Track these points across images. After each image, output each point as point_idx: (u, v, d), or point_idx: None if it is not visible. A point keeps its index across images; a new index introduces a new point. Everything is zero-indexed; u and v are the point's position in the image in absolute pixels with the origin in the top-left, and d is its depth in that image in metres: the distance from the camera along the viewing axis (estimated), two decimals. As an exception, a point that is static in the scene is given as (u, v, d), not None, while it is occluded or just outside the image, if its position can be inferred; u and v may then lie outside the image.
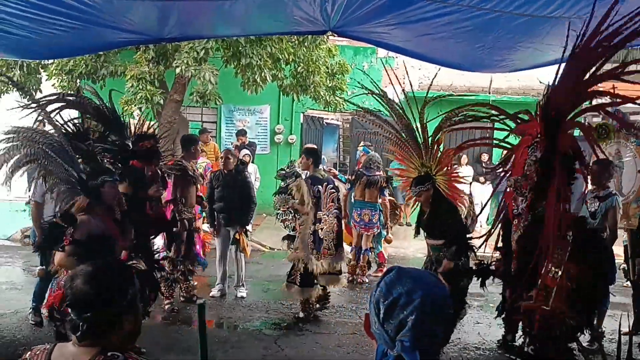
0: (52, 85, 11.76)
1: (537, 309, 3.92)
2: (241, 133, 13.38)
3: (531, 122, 4.60)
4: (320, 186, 7.14)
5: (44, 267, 6.61)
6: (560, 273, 3.91)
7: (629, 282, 9.02)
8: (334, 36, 6.98)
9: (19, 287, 8.28)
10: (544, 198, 4.19)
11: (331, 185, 7.23)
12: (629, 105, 4.25)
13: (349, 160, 17.33)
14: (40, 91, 12.45)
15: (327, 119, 17.32)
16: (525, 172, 4.40)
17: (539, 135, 4.39)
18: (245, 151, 11.93)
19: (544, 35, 5.71)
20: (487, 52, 6.29)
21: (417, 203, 6.44)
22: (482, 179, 14.96)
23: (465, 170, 14.86)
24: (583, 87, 4.36)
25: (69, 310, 2.03)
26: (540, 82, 15.02)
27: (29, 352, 2.10)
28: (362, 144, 12.80)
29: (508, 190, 4.87)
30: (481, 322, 7.39)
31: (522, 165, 4.51)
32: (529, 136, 4.53)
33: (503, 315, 5.83)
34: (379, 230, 9.46)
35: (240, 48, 10.76)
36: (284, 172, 8.27)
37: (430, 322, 1.56)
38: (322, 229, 7.12)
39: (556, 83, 4.49)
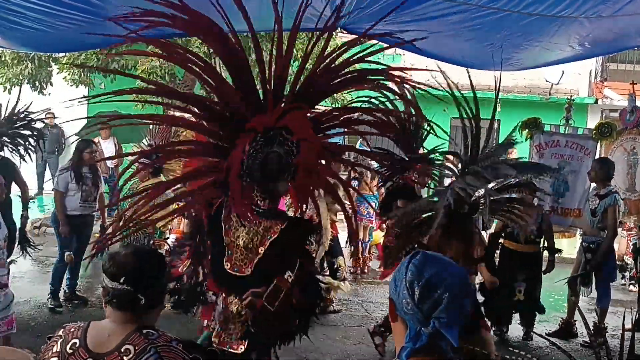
0: (63, 78, 11.87)
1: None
2: None
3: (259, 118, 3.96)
4: None
5: (71, 252, 6.90)
6: (292, 277, 3.82)
7: (624, 280, 9.10)
8: (343, 33, 7.05)
9: (29, 277, 8.40)
10: None
11: None
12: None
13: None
14: (51, 84, 12.60)
15: (333, 115, 17.40)
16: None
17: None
18: None
19: (552, 34, 5.79)
20: (496, 51, 6.36)
21: None
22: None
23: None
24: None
25: (117, 283, 2.09)
26: (547, 81, 15.07)
27: (61, 330, 2.16)
28: (359, 141, 12.91)
29: None
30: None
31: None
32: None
33: None
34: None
35: (249, 43, 10.83)
36: None
37: (460, 298, 1.70)
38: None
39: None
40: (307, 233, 3.86)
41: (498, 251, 6.93)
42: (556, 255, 6.76)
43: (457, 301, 1.68)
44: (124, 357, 2.04)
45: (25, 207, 7.11)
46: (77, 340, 2.09)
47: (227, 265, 3.79)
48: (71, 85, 12.02)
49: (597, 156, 7.34)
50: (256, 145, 3.74)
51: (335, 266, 7.39)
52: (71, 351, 2.07)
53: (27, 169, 14.11)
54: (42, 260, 9.02)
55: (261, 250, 3.77)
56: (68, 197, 6.97)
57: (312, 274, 3.87)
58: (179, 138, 6.97)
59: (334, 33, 12.37)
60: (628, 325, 4.79)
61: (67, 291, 7.22)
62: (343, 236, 9.96)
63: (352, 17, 5.70)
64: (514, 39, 5.99)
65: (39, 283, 7.87)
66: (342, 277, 7.47)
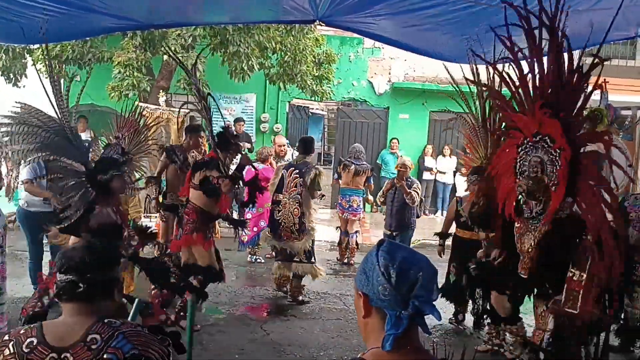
0: (38, 70, 11.68)
1: (564, 314, 3.86)
2: (239, 120, 12.98)
3: (526, 120, 4.20)
4: (285, 170, 7.63)
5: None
6: (584, 276, 3.85)
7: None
8: (322, 25, 7.06)
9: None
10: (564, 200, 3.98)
11: (297, 171, 7.48)
12: (620, 99, 4.13)
13: (334, 150, 17.41)
14: (26, 76, 12.43)
15: (312, 108, 17.36)
16: (528, 174, 4.07)
17: (537, 134, 4.02)
18: (247, 144, 12.09)
19: (528, 28, 5.80)
20: (473, 44, 6.38)
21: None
22: (464, 170, 15.12)
23: (448, 162, 15.03)
24: (577, 82, 4.03)
25: (66, 274, 2.14)
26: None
27: (7, 336, 2.11)
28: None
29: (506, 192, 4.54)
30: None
31: (510, 165, 4.26)
32: (519, 134, 4.22)
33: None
34: (363, 215, 10.15)
35: (227, 36, 10.79)
36: None
37: (433, 277, 1.78)
38: (280, 211, 7.46)
39: (549, 80, 4.11)
40: (575, 230, 3.96)
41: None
42: None
43: (431, 279, 1.76)
44: (92, 346, 2.04)
45: None
46: (33, 339, 2.07)
47: (520, 269, 4.15)
48: (46, 77, 11.83)
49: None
50: (525, 148, 4.13)
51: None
52: (28, 350, 2.04)
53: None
54: (17, 255, 8.91)
55: (534, 252, 4.07)
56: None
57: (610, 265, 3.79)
58: (146, 130, 6.90)
59: (312, 26, 12.38)
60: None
61: None
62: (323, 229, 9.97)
63: (330, 10, 5.69)
64: (491, 32, 6.00)
65: (12, 278, 7.75)
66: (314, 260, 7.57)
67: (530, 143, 4.12)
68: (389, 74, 15.86)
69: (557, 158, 3.90)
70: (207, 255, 6.36)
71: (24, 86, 12.59)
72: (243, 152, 7.03)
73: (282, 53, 12.47)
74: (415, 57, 11.05)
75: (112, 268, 2.25)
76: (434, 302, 1.76)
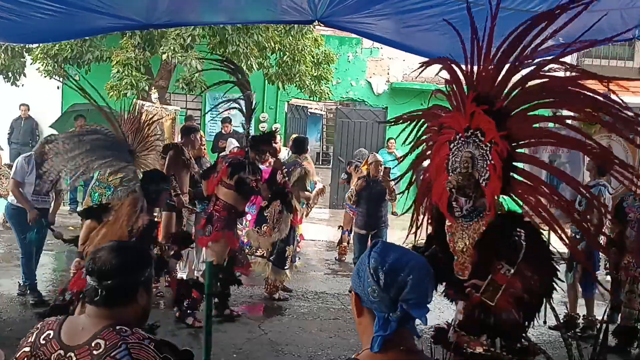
0: (37, 69, 11.72)
1: (477, 303, 3.77)
2: (226, 120, 12.75)
3: (453, 116, 4.08)
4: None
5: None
6: (512, 271, 3.77)
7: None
8: (321, 26, 7.08)
9: (1, 269, 8.28)
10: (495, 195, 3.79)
11: (285, 169, 7.49)
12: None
13: (332, 150, 17.41)
14: (24, 75, 12.44)
15: (311, 108, 17.37)
16: (459, 170, 3.90)
17: (469, 129, 3.85)
18: (234, 142, 11.95)
19: (526, 29, 5.82)
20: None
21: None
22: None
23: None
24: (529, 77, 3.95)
25: (89, 277, 2.13)
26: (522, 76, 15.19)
27: (41, 322, 2.18)
28: None
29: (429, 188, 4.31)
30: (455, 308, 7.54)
31: (443, 163, 4.06)
32: (450, 130, 4.04)
33: None
34: None
35: (226, 36, 10.81)
36: None
37: (424, 279, 1.74)
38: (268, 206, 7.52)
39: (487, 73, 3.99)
40: (513, 225, 3.83)
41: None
42: None
43: (422, 282, 1.73)
44: (94, 352, 2.04)
45: None
46: (51, 332, 2.11)
47: (456, 269, 3.99)
48: (45, 77, 11.87)
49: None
50: (457, 144, 3.95)
51: (286, 254, 7.47)
52: (44, 342, 2.09)
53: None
54: (16, 254, 8.90)
55: (471, 252, 3.89)
56: (25, 188, 6.84)
57: (540, 264, 3.78)
58: (148, 127, 6.91)
59: (310, 26, 12.38)
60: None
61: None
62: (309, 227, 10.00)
63: (329, 10, 5.70)
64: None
65: (7, 277, 7.76)
66: (288, 266, 7.56)
67: (462, 138, 3.93)
68: (388, 74, 15.89)
69: (488, 152, 3.74)
70: (224, 253, 6.50)
71: (22, 85, 12.61)
72: (277, 157, 7.16)
73: (281, 53, 12.50)
74: (413, 57, 11.06)
75: (138, 272, 2.20)
76: (427, 304, 1.73)
